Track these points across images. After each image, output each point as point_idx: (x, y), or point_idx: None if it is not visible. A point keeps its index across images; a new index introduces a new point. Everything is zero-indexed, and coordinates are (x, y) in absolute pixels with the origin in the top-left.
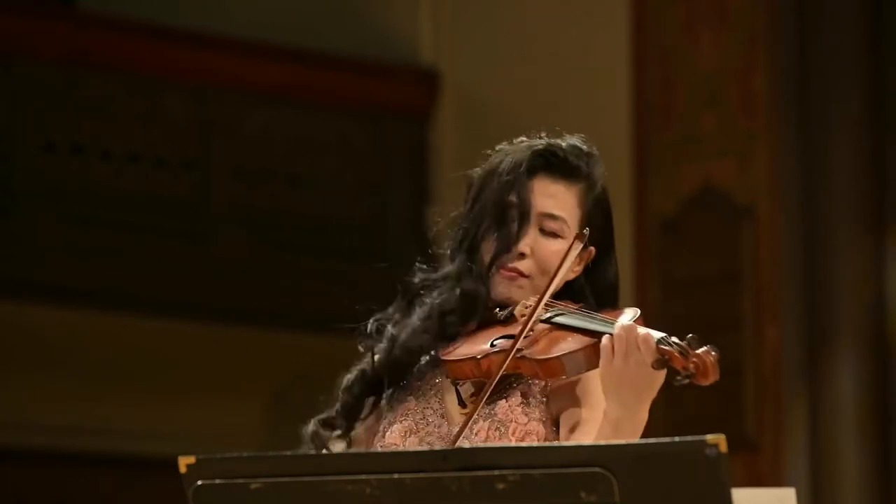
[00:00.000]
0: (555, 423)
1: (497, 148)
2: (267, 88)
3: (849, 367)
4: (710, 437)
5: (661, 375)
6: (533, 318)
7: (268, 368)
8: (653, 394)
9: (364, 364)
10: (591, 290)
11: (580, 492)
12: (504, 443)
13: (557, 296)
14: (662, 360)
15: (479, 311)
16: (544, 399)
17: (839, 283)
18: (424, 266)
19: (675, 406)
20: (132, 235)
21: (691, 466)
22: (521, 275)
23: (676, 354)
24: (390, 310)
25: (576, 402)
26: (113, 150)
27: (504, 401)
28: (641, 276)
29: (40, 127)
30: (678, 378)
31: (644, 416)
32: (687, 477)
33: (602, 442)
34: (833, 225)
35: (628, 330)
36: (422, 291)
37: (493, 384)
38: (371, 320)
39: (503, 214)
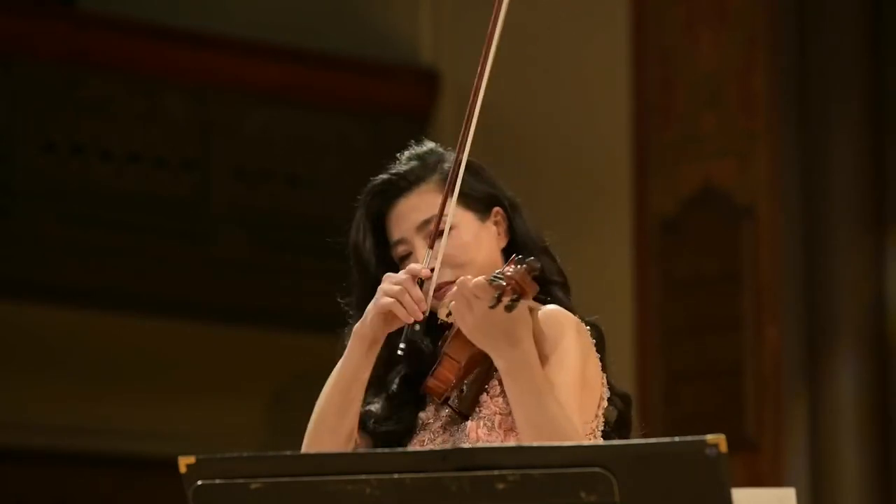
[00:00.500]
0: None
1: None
2: (267, 88)
3: (849, 367)
4: (710, 437)
5: (520, 311)
6: (429, 263)
7: (268, 368)
8: (523, 330)
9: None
10: (518, 249)
11: (580, 492)
12: (494, 436)
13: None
14: (496, 298)
15: (427, 361)
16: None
17: (839, 283)
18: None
19: (674, 405)
20: (132, 235)
21: (691, 466)
22: (447, 283)
23: (504, 286)
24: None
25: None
26: (113, 150)
27: (485, 395)
28: (641, 276)
29: (40, 127)
30: (507, 306)
31: (530, 355)
32: (687, 477)
33: (602, 442)
34: (833, 225)
35: (460, 285)
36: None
37: (468, 392)
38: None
39: (368, 270)
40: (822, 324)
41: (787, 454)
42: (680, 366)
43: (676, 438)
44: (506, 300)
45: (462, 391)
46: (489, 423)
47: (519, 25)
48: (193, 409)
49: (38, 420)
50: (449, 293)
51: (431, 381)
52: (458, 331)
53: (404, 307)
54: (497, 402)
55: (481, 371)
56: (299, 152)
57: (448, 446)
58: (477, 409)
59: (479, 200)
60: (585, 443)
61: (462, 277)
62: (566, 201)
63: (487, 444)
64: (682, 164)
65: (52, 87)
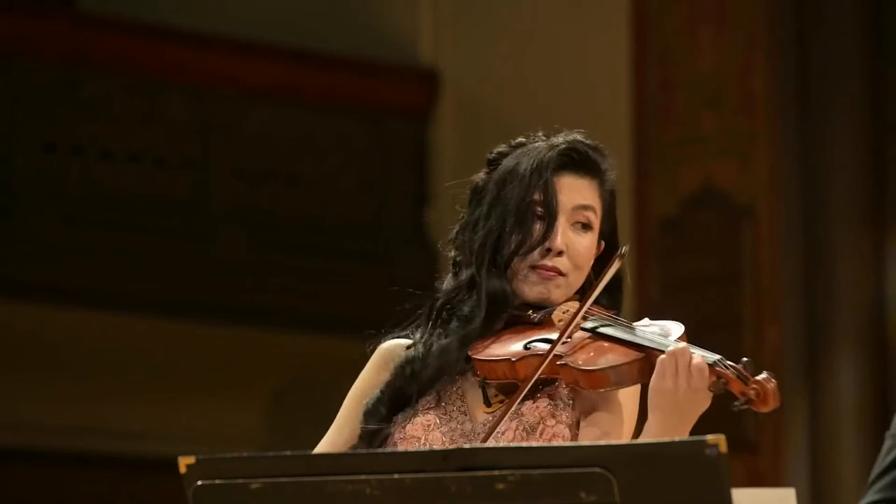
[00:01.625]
0: (577, 426)
1: (497, 150)
2: (267, 88)
3: (849, 367)
4: (710, 437)
5: (708, 399)
6: (573, 324)
7: (268, 368)
8: (696, 417)
9: (388, 386)
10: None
11: (580, 492)
12: (531, 442)
13: (581, 295)
14: (720, 384)
15: (506, 310)
16: (570, 402)
17: (839, 283)
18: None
19: None
20: (132, 235)
21: (691, 466)
22: (560, 273)
23: (734, 378)
24: (415, 328)
25: (601, 407)
26: (113, 150)
27: (532, 402)
28: (641, 276)
29: (40, 127)
30: (736, 403)
31: (686, 432)
32: (687, 477)
33: (602, 442)
34: (833, 225)
35: (682, 351)
36: (448, 306)
37: (527, 387)
38: (389, 336)
39: (529, 215)
40: (822, 324)
41: (787, 454)
42: None
43: (676, 438)
44: (728, 394)
45: (513, 383)
46: (529, 430)
47: (519, 25)
48: (193, 409)
49: (38, 420)
50: (556, 280)
51: (501, 365)
52: (592, 353)
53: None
54: (542, 412)
55: (550, 378)
56: (299, 152)
57: (472, 435)
58: (518, 411)
59: (607, 223)
60: (585, 443)
61: (686, 346)
62: None
63: (488, 445)
64: (682, 164)
65: (52, 87)
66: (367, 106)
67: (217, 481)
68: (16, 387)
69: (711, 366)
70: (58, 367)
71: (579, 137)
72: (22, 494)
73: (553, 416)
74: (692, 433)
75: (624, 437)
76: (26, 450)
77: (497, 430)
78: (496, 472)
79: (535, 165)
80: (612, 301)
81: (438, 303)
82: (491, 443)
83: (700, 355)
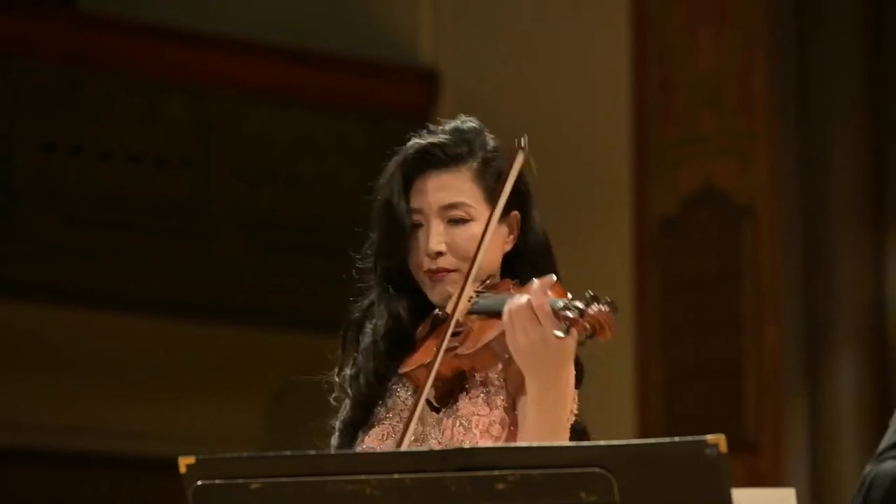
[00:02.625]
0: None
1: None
2: (267, 88)
3: (849, 367)
4: (710, 437)
5: (571, 342)
6: (455, 315)
7: (268, 368)
8: (568, 362)
9: (339, 419)
10: (527, 255)
11: (580, 492)
12: (469, 437)
13: (503, 274)
14: (566, 328)
15: (407, 329)
16: (502, 383)
17: (839, 283)
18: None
19: (674, 405)
20: (132, 235)
21: (691, 466)
22: (447, 271)
23: (577, 318)
24: (340, 352)
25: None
26: (113, 150)
27: (465, 394)
28: (641, 276)
29: (40, 127)
30: (580, 340)
31: (566, 386)
32: (687, 477)
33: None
34: (833, 225)
35: (517, 308)
36: (365, 320)
37: (426, 386)
38: (336, 371)
39: (401, 224)
40: (822, 324)
41: (787, 454)
42: (680, 366)
43: (676, 438)
44: (577, 335)
45: (440, 385)
46: (465, 423)
47: (519, 25)
48: (193, 409)
49: (38, 420)
50: (448, 279)
51: (421, 371)
52: (474, 334)
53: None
54: (476, 402)
55: (463, 370)
56: (299, 152)
57: (422, 439)
58: (454, 408)
59: (495, 195)
60: (585, 443)
61: (523, 300)
62: (566, 201)
63: (488, 445)
64: (682, 164)
65: (52, 87)
66: (367, 106)
67: (217, 481)
68: (16, 387)
69: (556, 312)
70: (58, 367)
71: (441, 134)
72: (22, 494)
73: (487, 405)
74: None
75: (565, 408)
76: (26, 450)
77: (439, 429)
78: (496, 472)
79: (388, 177)
80: (535, 269)
81: (351, 330)
82: (433, 443)
83: (540, 301)
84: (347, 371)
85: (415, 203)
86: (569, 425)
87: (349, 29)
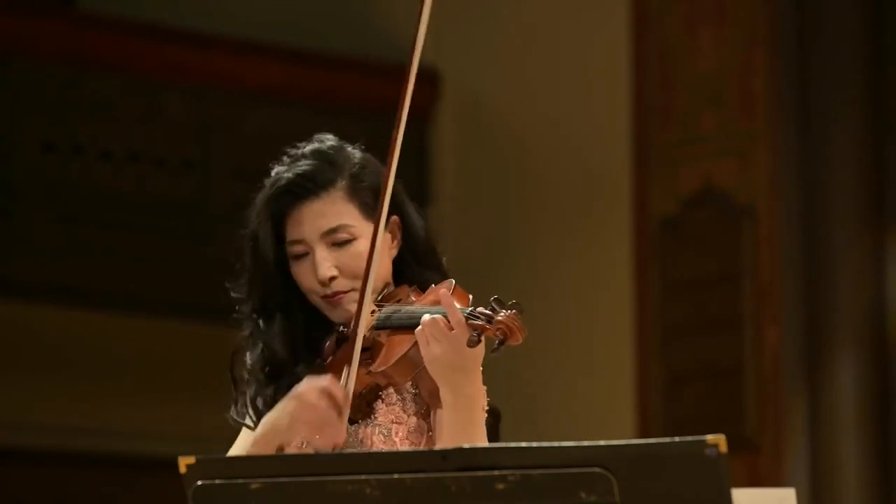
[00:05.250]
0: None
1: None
2: (267, 88)
3: (849, 367)
4: (710, 437)
5: (481, 349)
6: (359, 336)
7: None
8: (477, 365)
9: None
10: (411, 252)
11: (580, 492)
12: (390, 445)
13: (396, 279)
14: (476, 337)
15: (285, 363)
16: (415, 391)
17: (839, 283)
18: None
19: (674, 405)
20: (132, 235)
21: (691, 466)
22: (343, 293)
23: (486, 325)
24: (234, 391)
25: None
26: (113, 150)
27: (381, 402)
28: (641, 276)
29: (40, 127)
30: (493, 349)
31: (477, 389)
32: (687, 477)
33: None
34: (833, 225)
35: (430, 321)
36: (246, 351)
37: (348, 404)
38: (231, 409)
39: (266, 259)
40: (822, 324)
41: (787, 454)
42: (680, 366)
43: (676, 438)
44: (487, 339)
45: (355, 402)
46: (385, 432)
47: (519, 25)
48: (193, 409)
49: (38, 420)
50: (346, 299)
51: None
52: (386, 349)
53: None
54: (394, 410)
55: (374, 385)
56: None
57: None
58: (372, 417)
59: (374, 207)
60: (586, 443)
61: (430, 317)
62: (566, 202)
63: (488, 445)
64: (682, 164)
65: (52, 87)
66: (367, 106)
67: (217, 481)
68: (16, 387)
69: (466, 319)
70: (58, 367)
71: (304, 160)
72: (22, 494)
73: (405, 412)
74: (691, 432)
75: (478, 393)
76: (27, 450)
77: (358, 438)
78: (496, 472)
79: (256, 215)
80: (430, 270)
81: (235, 362)
82: (359, 442)
83: (454, 312)
84: (233, 411)
85: (294, 235)
86: (483, 421)
87: (349, 29)
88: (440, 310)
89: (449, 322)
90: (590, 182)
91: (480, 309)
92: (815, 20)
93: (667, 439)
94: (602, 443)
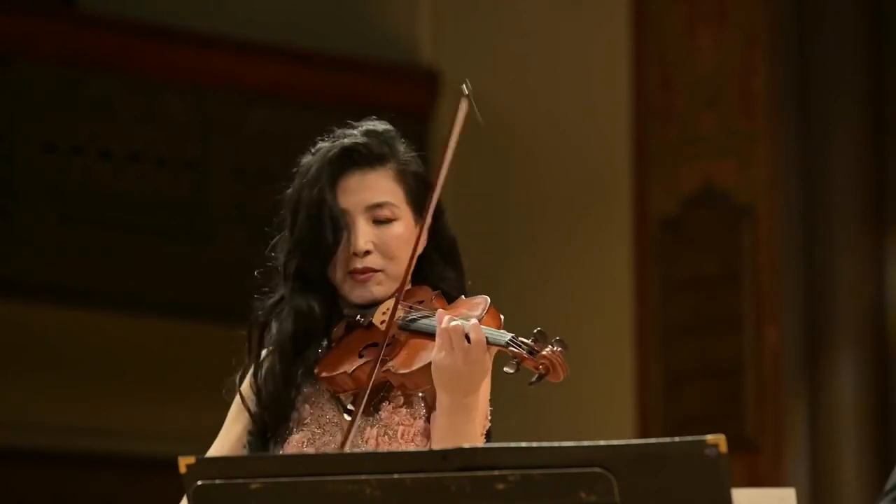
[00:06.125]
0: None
1: (302, 162)
2: (267, 88)
3: (849, 367)
4: (710, 437)
5: (488, 367)
6: (391, 330)
7: None
8: (479, 386)
9: (251, 433)
10: (437, 250)
11: (580, 492)
12: (395, 446)
13: (415, 276)
14: (516, 365)
15: (317, 328)
16: (423, 395)
17: (839, 284)
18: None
19: (674, 405)
20: (132, 235)
21: (691, 466)
22: (373, 271)
23: (525, 356)
24: (247, 359)
25: None
26: (113, 150)
27: (388, 403)
28: (641, 276)
29: (40, 127)
30: (532, 381)
31: (474, 402)
32: (687, 477)
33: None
34: (833, 225)
35: (454, 328)
36: (270, 319)
37: (365, 397)
38: (238, 374)
39: (321, 226)
40: (822, 324)
41: (787, 454)
42: (680, 366)
43: (676, 438)
44: (529, 370)
45: (359, 393)
46: (391, 433)
47: (519, 25)
48: (193, 409)
49: (38, 420)
50: (373, 280)
51: (343, 378)
52: (407, 353)
53: None
54: (399, 412)
55: (385, 382)
56: (299, 152)
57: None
58: (377, 417)
59: (421, 201)
60: (586, 443)
61: (457, 324)
62: (566, 201)
63: (488, 445)
64: (682, 164)
65: (52, 87)
66: (367, 106)
67: (217, 481)
68: (16, 387)
69: (504, 346)
70: (58, 367)
71: (362, 130)
72: (22, 494)
73: (411, 415)
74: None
75: (482, 413)
76: (27, 450)
77: (361, 437)
78: (496, 472)
79: (314, 177)
80: (452, 269)
81: (256, 330)
82: (364, 441)
83: (477, 328)
84: (249, 376)
85: (340, 203)
86: (476, 433)
87: (349, 29)
88: (455, 322)
89: (468, 335)
90: (590, 182)
91: (522, 339)
92: (815, 20)
93: (667, 439)
94: (602, 443)
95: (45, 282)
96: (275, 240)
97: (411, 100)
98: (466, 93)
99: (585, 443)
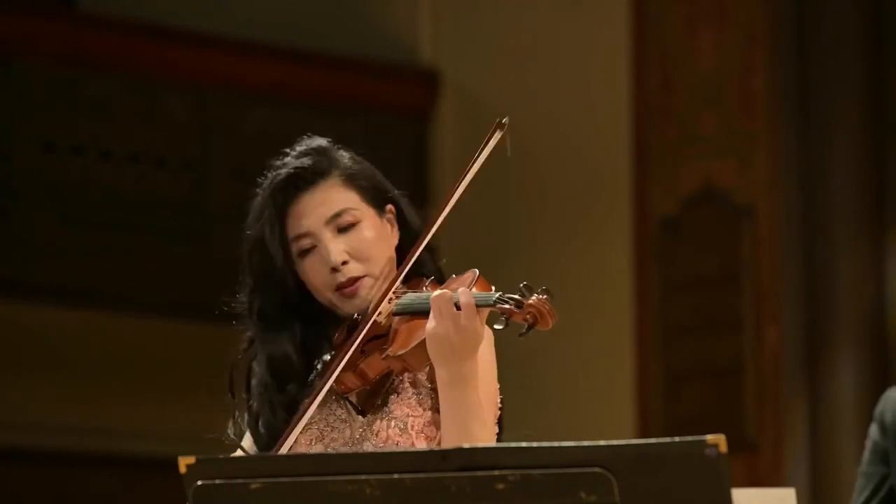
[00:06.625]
0: None
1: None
2: (267, 88)
3: (849, 367)
4: (710, 437)
5: (481, 333)
6: (372, 318)
7: None
8: (474, 351)
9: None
10: (407, 238)
11: (580, 492)
12: (406, 438)
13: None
14: (505, 320)
15: (294, 370)
16: (431, 385)
17: (839, 284)
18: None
19: (674, 405)
20: (132, 235)
21: (691, 466)
22: (357, 279)
23: (514, 310)
24: (238, 406)
25: None
26: (113, 150)
27: (396, 396)
28: (641, 276)
29: (40, 127)
30: (522, 332)
31: (473, 370)
32: (687, 477)
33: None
34: (833, 225)
35: (440, 295)
36: (249, 363)
37: (375, 390)
38: (230, 423)
39: (276, 257)
40: (822, 324)
41: (787, 454)
42: (680, 366)
43: (676, 438)
44: (515, 324)
45: (365, 389)
46: (401, 425)
47: (519, 25)
48: (193, 409)
49: (38, 420)
50: (362, 286)
51: (347, 376)
52: (403, 334)
53: None
54: (409, 403)
55: (388, 372)
56: None
57: (351, 442)
58: (386, 410)
59: (377, 197)
60: (586, 443)
61: (443, 291)
62: (566, 201)
63: (423, 446)
64: (682, 164)
65: (52, 87)
66: (367, 106)
67: (217, 481)
68: (16, 387)
69: (492, 304)
70: (58, 367)
71: (294, 158)
72: (22, 494)
73: (420, 406)
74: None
75: (488, 394)
76: (26, 450)
77: (372, 430)
78: (496, 472)
79: (259, 211)
80: (426, 251)
81: (237, 373)
82: (369, 446)
83: (465, 292)
84: (241, 424)
85: (299, 229)
86: (478, 404)
87: (349, 29)
88: (440, 291)
89: (457, 303)
90: (590, 182)
91: (509, 295)
92: (815, 20)
93: (667, 439)
94: (602, 443)
95: (45, 282)
96: (240, 281)
97: (411, 100)
98: (505, 123)
99: (585, 443)
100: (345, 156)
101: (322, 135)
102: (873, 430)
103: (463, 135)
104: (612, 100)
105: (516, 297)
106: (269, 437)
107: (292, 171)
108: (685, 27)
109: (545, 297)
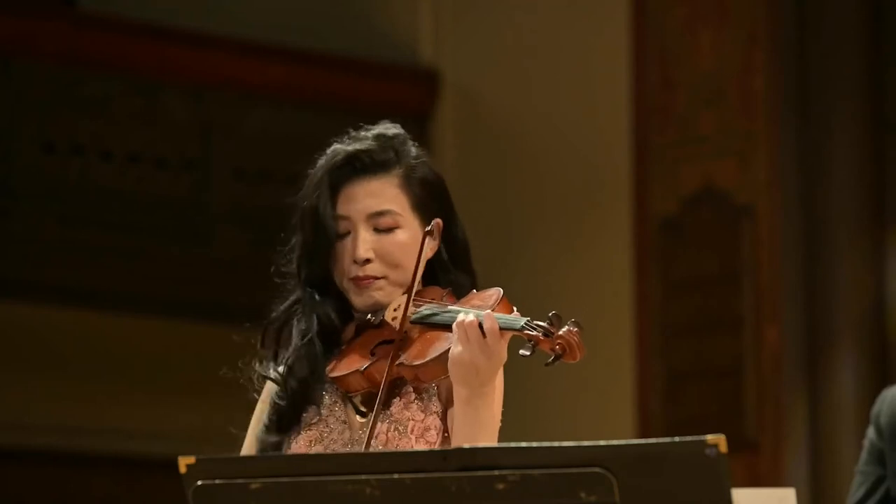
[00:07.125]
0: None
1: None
2: (267, 88)
3: (849, 367)
4: (710, 437)
5: (504, 353)
6: (403, 324)
7: None
8: (495, 376)
9: (268, 418)
10: (448, 255)
11: (580, 492)
12: (405, 441)
13: (424, 279)
14: (532, 347)
15: (335, 334)
16: (435, 390)
17: (839, 283)
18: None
19: (674, 405)
20: (132, 235)
21: (691, 466)
22: (374, 278)
23: (542, 338)
24: (267, 355)
25: None
26: (113, 150)
27: (398, 399)
28: (641, 276)
29: (40, 127)
30: (548, 362)
31: (492, 391)
32: (687, 477)
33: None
34: (833, 225)
35: (468, 322)
36: (290, 319)
37: (381, 394)
38: (255, 369)
39: (327, 232)
40: (822, 324)
41: (787, 454)
42: (680, 366)
43: (676, 438)
44: (544, 353)
45: (371, 391)
46: (400, 428)
47: (519, 25)
48: (193, 409)
49: (38, 420)
50: (374, 286)
51: (355, 377)
52: (419, 345)
53: None
54: (410, 407)
55: (397, 378)
56: (299, 152)
57: (351, 444)
58: (387, 412)
59: (427, 207)
60: (586, 443)
61: (469, 319)
62: (566, 201)
63: (488, 445)
64: (682, 164)
65: (52, 87)
66: (367, 106)
67: (217, 481)
68: (16, 387)
69: (519, 330)
70: (58, 367)
71: (370, 135)
72: (22, 494)
73: (422, 411)
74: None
75: (494, 406)
76: (27, 450)
77: (374, 432)
78: (496, 472)
79: (316, 182)
80: (464, 273)
81: (273, 328)
82: (374, 436)
83: (490, 317)
84: (271, 371)
85: (342, 210)
86: (494, 424)
87: (349, 29)
88: (480, 314)
89: (482, 327)
90: (590, 182)
91: (538, 321)
92: (815, 20)
93: (667, 439)
94: (602, 443)
95: (45, 282)
96: (291, 242)
97: (411, 100)
98: (430, 229)
99: (585, 443)
100: (413, 155)
101: (322, 135)
102: (870, 431)
103: (463, 135)
104: (612, 100)
105: (544, 325)
106: (299, 386)
107: (356, 151)
108: (685, 27)
109: (576, 329)
